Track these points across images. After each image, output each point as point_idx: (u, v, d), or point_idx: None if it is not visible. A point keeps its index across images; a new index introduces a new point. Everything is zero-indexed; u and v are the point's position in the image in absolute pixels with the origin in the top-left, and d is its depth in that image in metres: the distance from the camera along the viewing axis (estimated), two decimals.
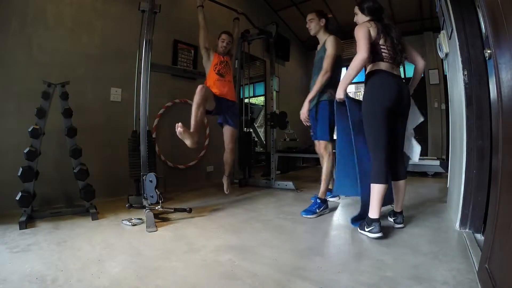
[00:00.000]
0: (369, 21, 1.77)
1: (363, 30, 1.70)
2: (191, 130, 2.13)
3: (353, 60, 1.70)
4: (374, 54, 1.73)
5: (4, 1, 2.23)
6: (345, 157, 1.97)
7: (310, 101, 2.26)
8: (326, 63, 2.21)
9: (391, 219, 1.95)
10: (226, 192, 2.77)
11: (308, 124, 2.33)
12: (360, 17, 1.85)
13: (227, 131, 2.72)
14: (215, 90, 2.54)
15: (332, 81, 2.22)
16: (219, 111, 2.60)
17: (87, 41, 2.69)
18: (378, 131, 1.70)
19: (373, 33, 1.71)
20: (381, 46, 1.73)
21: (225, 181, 2.78)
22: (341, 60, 2.36)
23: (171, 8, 3.31)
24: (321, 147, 2.34)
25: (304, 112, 2.27)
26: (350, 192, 2.10)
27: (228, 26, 3.10)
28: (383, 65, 1.73)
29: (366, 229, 1.71)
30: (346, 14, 5.34)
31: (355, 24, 1.78)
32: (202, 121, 2.30)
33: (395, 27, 1.81)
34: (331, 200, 2.56)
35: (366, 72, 1.81)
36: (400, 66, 1.83)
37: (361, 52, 1.66)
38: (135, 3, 2.41)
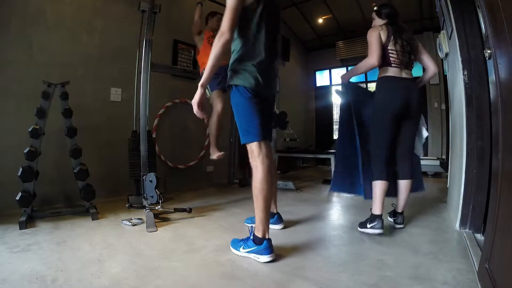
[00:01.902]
0: (381, 25, 1.85)
1: (375, 34, 1.79)
2: (212, 146, 2.60)
3: (364, 61, 1.81)
4: (382, 58, 1.78)
5: (4, 1, 2.23)
6: (346, 153, 2.04)
7: (204, 86, 1.44)
8: (224, 19, 1.35)
9: (391, 219, 1.97)
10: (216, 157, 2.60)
11: (203, 117, 1.52)
12: (377, 21, 1.92)
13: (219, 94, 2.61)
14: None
15: (246, 52, 1.44)
16: (217, 79, 2.61)
17: (87, 41, 2.69)
18: (382, 133, 1.81)
19: (383, 36, 1.79)
20: (390, 51, 1.79)
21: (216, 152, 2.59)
22: (252, 14, 1.43)
23: (171, 8, 3.30)
24: (249, 152, 1.50)
25: (196, 102, 1.44)
26: (349, 191, 2.11)
27: None
28: (391, 71, 1.80)
29: (368, 226, 1.74)
30: (346, 14, 5.38)
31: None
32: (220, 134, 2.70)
33: (408, 29, 1.87)
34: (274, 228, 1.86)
35: (377, 77, 1.89)
36: (413, 67, 1.87)
37: (372, 59, 1.76)
38: (135, 3, 2.41)
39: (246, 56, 1.44)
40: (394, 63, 1.79)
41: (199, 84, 1.42)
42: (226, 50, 1.39)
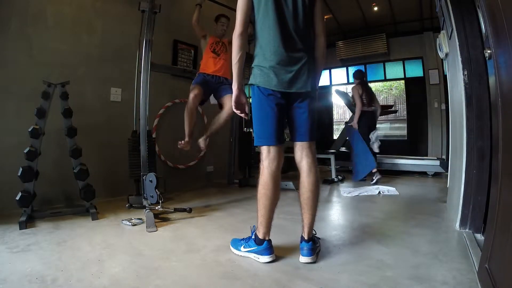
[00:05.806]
0: (358, 83, 3.85)
1: (356, 92, 3.78)
2: (186, 138, 2.43)
3: (356, 109, 3.79)
4: (361, 102, 3.77)
5: (4, 1, 2.23)
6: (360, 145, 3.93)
7: (238, 87, 1.38)
8: (236, 15, 1.34)
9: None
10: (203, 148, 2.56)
11: (244, 117, 1.49)
12: (355, 80, 3.93)
13: (227, 99, 2.49)
14: (207, 68, 2.61)
15: (258, 47, 1.37)
16: (207, 93, 2.56)
17: (87, 41, 2.69)
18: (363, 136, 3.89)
19: (360, 91, 3.77)
20: (363, 98, 3.77)
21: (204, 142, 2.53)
22: (258, 3, 1.33)
23: (171, 8, 3.30)
24: (260, 154, 1.43)
25: (233, 103, 1.42)
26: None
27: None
28: (364, 108, 3.76)
29: (374, 178, 3.62)
30: (346, 14, 5.37)
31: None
32: (194, 126, 2.54)
33: (368, 85, 3.98)
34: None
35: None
36: (375, 103, 3.92)
37: (357, 108, 3.76)
38: (135, 3, 2.41)
39: (259, 52, 1.36)
40: (364, 105, 3.75)
41: (232, 86, 1.38)
42: (242, 44, 1.32)
